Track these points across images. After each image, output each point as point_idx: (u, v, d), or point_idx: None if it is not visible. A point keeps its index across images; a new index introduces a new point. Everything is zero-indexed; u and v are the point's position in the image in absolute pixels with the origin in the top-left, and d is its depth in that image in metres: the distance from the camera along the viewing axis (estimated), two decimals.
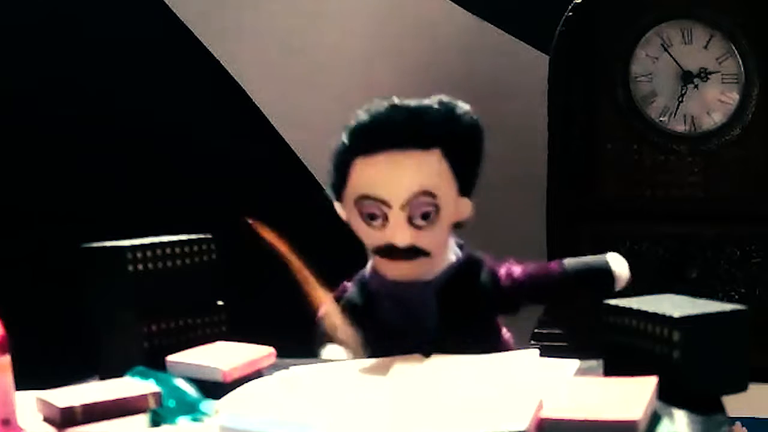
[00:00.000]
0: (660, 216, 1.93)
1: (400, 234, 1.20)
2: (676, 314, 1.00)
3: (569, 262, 1.31)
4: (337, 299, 1.28)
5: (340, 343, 1.21)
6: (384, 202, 1.20)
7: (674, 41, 1.93)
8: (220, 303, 1.25)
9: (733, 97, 1.92)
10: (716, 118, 1.93)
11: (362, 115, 1.22)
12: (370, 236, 1.22)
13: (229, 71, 2.35)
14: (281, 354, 1.20)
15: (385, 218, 1.20)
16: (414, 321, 1.22)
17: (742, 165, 1.91)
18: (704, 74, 1.92)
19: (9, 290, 1.81)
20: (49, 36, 2.33)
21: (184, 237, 1.23)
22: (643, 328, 1.03)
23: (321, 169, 2.32)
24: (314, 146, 2.32)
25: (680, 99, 1.93)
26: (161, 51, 2.35)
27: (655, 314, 1.02)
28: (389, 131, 1.19)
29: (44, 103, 2.33)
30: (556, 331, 1.91)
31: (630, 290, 1.24)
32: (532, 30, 2.23)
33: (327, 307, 1.22)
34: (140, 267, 1.19)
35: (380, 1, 2.32)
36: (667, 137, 1.93)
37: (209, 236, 1.25)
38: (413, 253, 1.21)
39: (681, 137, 1.93)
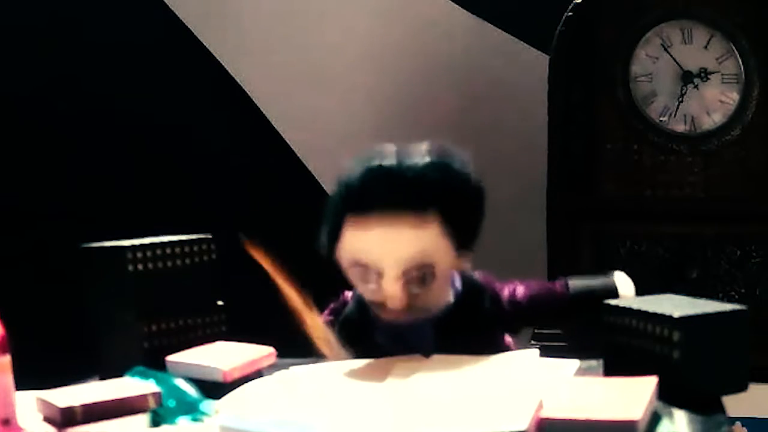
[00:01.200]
0: (660, 216, 1.93)
1: (393, 299, 1.15)
2: (676, 314, 1.00)
3: (575, 286, 1.26)
4: (337, 311, 1.27)
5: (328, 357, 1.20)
6: (376, 269, 1.14)
7: (674, 41, 1.93)
8: (220, 303, 1.25)
9: (733, 97, 1.92)
10: (716, 118, 1.93)
11: (353, 176, 1.14)
12: (365, 291, 1.18)
13: (229, 71, 2.35)
14: (281, 354, 1.20)
15: (378, 283, 1.15)
16: (410, 352, 1.18)
17: (742, 165, 1.91)
18: (704, 74, 1.92)
19: (9, 290, 1.81)
20: (50, 36, 2.33)
21: (184, 237, 1.23)
22: (643, 328, 1.03)
23: (321, 170, 2.34)
24: (314, 146, 2.33)
25: (680, 99, 1.93)
26: (162, 51, 2.35)
27: (655, 314, 1.02)
28: (382, 198, 1.12)
29: (45, 103, 2.34)
30: (556, 331, 1.91)
31: None
32: (532, 30, 2.23)
33: (319, 331, 1.20)
34: (140, 267, 1.18)
35: (380, 1, 2.32)
36: (667, 137, 1.93)
37: (209, 236, 1.25)
38: (409, 307, 1.16)
39: (681, 137, 1.93)
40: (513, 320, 1.25)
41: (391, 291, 1.14)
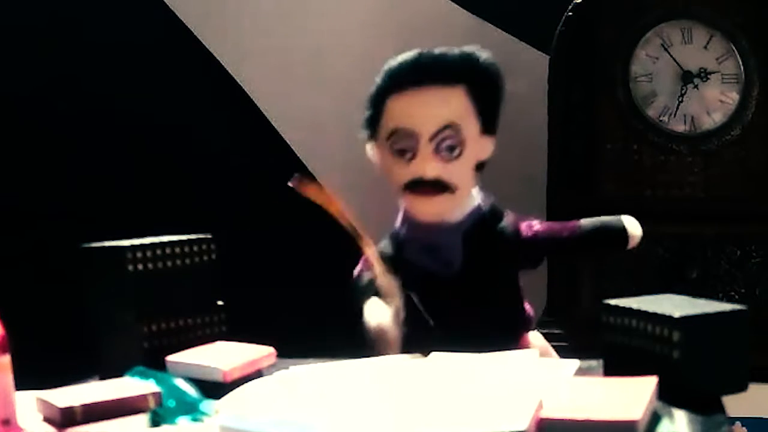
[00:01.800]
0: (660, 216, 1.92)
1: (428, 165, 1.29)
2: (676, 314, 1.00)
3: (586, 222, 1.38)
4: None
5: (382, 292, 1.25)
6: (413, 134, 1.29)
7: (674, 41, 1.93)
8: (220, 303, 1.25)
9: (733, 97, 1.92)
10: (716, 118, 1.93)
11: (393, 62, 1.31)
12: (400, 172, 1.30)
13: (229, 71, 2.35)
14: (281, 354, 1.20)
15: (414, 154, 1.29)
16: (441, 261, 1.30)
17: (742, 165, 1.91)
18: (704, 74, 1.92)
19: (9, 290, 1.81)
20: (50, 36, 2.33)
21: (184, 237, 1.23)
22: (643, 328, 1.03)
23: (321, 170, 2.33)
24: (314, 146, 2.33)
25: (680, 99, 1.93)
26: (162, 51, 2.35)
27: (655, 314, 1.02)
28: (418, 71, 1.29)
29: (45, 103, 2.33)
30: (556, 331, 1.91)
31: (630, 290, 1.24)
32: (532, 30, 2.23)
33: (371, 256, 1.27)
34: (140, 267, 1.19)
35: (380, 1, 2.32)
36: (667, 137, 1.93)
37: (209, 236, 1.25)
38: (440, 187, 1.29)
39: (681, 137, 1.93)
40: (531, 248, 1.35)
41: (425, 154, 1.29)
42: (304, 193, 1.24)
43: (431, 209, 1.31)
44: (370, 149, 1.35)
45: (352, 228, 1.25)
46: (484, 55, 1.33)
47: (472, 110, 1.32)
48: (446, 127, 1.29)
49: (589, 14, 1.92)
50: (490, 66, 1.33)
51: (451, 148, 1.30)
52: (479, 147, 1.33)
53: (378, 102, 1.32)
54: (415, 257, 1.32)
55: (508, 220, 1.35)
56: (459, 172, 1.31)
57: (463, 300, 1.28)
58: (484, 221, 1.33)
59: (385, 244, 1.35)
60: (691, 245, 1.92)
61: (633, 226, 1.37)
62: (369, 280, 1.28)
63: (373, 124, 1.33)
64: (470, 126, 1.32)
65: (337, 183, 2.29)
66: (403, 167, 1.30)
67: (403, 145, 1.30)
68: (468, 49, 1.33)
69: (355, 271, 1.33)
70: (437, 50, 1.32)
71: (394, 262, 1.29)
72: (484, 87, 1.32)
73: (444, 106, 1.30)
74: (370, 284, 1.27)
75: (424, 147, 1.29)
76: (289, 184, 1.24)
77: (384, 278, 1.25)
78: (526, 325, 1.35)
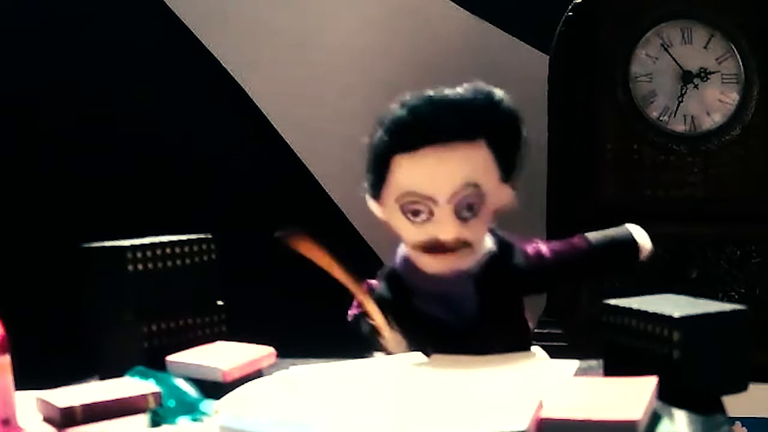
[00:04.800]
0: (660, 216, 1.92)
1: (446, 229, 1.17)
2: (676, 314, 1.00)
3: (594, 237, 1.30)
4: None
5: (383, 343, 1.19)
6: (430, 198, 1.17)
7: (674, 41, 1.94)
8: (220, 303, 1.25)
9: (733, 97, 1.92)
10: (716, 118, 1.93)
11: (400, 111, 1.17)
12: (413, 233, 1.19)
13: (229, 72, 2.35)
14: (281, 354, 1.20)
15: (430, 213, 1.17)
16: (455, 312, 1.21)
17: (742, 165, 1.91)
18: (704, 74, 1.93)
19: (9, 290, 1.81)
20: (49, 36, 2.33)
21: (184, 237, 1.23)
22: (643, 328, 1.03)
23: (321, 170, 2.34)
24: (315, 147, 2.33)
25: (680, 99, 1.93)
26: (161, 52, 2.35)
27: (655, 314, 1.02)
28: (433, 127, 1.15)
29: (44, 103, 2.34)
30: (556, 331, 1.91)
31: (630, 290, 1.24)
32: (532, 30, 2.23)
33: (368, 307, 1.20)
34: (140, 267, 1.18)
35: (381, 1, 2.32)
36: (667, 137, 1.93)
37: (209, 236, 1.25)
38: (458, 245, 1.19)
39: (681, 137, 1.94)
40: (541, 277, 1.27)
41: (443, 218, 1.17)
42: (293, 246, 1.18)
43: (444, 265, 1.20)
44: (374, 207, 1.22)
45: (346, 280, 1.18)
46: (503, 97, 1.19)
47: (492, 163, 1.19)
48: (466, 186, 1.17)
49: (589, 14, 1.92)
50: (509, 112, 1.20)
51: (471, 206, 1.18)
52: (498, 198, 1.21)
53: (383, 162, 1.18)
54: (424, 306, 1.22)
55: (518, 252, 1.25)
56: (477, 228, 1.20)
57: (477, 345, 1.17)
58: (495, 262, 1.23)
59: (383, 288, 1.24)
60: (691, 245, 1.92)
61: (642, 237, 1.30)
62: (371, 329, 1.19)
63: (377, 184, 1.20)
64: (490, 180, 1.19)
65: (338, 184, 2.30)
66: (417, 228, 1.18)
67: (417, 208, 1.17)
68: (482, 90, 1.18)
69: (349, 314, 1.25)
70: (449, 95, 1.17)
71: (395, 309, 1.20)
72: (505, 136, 1.19)
73: (464, 165, 1.16)
74: (372, 335, 1.19)
75: (442, 209, 1.17)
76: (276, 235, 1.17)
77: (389, 335, 1.18)
78: (529, 344, 1.28)
